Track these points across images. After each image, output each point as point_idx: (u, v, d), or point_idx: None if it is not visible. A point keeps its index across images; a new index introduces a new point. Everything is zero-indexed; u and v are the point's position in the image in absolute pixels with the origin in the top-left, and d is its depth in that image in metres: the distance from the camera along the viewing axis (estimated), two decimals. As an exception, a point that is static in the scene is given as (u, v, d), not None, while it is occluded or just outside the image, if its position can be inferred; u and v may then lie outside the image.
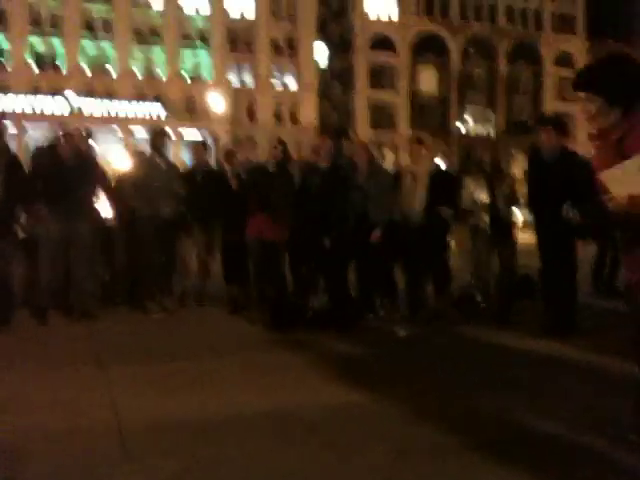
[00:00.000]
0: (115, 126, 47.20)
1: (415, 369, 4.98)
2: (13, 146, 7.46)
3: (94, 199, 7.07)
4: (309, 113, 53.05)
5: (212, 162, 9.19)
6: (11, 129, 46.32)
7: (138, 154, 8.15)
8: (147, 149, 7.83)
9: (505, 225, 6.72)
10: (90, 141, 7.68)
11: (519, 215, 8.64)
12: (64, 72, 48.86)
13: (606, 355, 5.05)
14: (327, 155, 6.69)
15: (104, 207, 7.39)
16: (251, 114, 52.04)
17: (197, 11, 51.47)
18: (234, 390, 4.38)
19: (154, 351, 5.54)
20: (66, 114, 45.52)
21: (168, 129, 11.84)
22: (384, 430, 3.56)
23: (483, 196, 6.69)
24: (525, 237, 7.36)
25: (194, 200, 7.36)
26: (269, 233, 6.88)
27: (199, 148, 8.31)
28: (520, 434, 3.53)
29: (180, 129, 46.27)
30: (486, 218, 6.67)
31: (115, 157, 17.35)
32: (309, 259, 6.75)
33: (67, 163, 6.73)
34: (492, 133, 56.47)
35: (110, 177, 7.77)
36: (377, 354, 5.53)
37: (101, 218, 7.36)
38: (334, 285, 6.61)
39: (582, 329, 5.87)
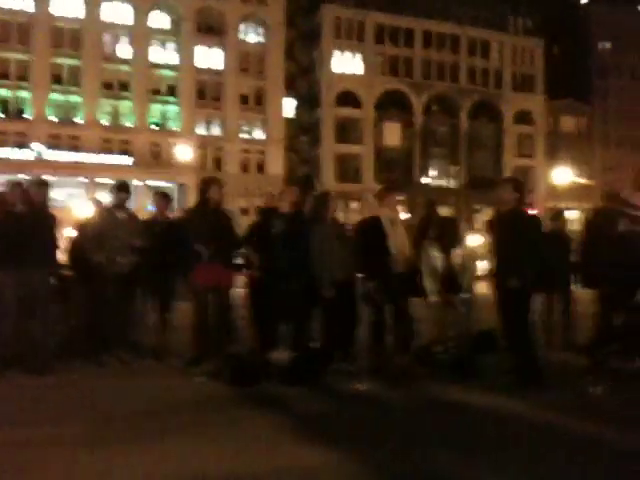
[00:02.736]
0: (82, 177, 46.86)
1: (375, 425, 4.92)
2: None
3: (50, 250, 6.95)
4: (276, 165, 53.49)
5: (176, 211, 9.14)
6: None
7: (99, 206, 8.11)
8: (109, 201, 7.79)
9: (456, 280, 6.82)
10: (48, 190, 7.57)
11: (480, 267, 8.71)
12: (31, 122, 48.55)
13: (563, 412, 5.09)
14: (292, 203, 6.77)
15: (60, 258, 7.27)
16: (218, 164, 52.25)
17: (166, 64, 52.06)
18: (190, 451, 4.25)
19: (109, 408, 5.36)
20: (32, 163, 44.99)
21: (135, 180, 11.83)
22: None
23: (436, 253, 6.80)
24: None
25: (152, 251, 7.30)
26: (226, 281, 6.89)
27: (159, 199, 8.19)
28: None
29: (147, 180, 46.10)
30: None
31: (79, 207, 17.25)
32: (275, 310, 6.69)
33: (17, 213, 6.66)
34: (454, 186, 57.56)
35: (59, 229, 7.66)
36: (336, 410, 5.45)
37: (58, 270, 7.23)
38: (299, 337, 6.53)
39: (544, 384, 5.91)
